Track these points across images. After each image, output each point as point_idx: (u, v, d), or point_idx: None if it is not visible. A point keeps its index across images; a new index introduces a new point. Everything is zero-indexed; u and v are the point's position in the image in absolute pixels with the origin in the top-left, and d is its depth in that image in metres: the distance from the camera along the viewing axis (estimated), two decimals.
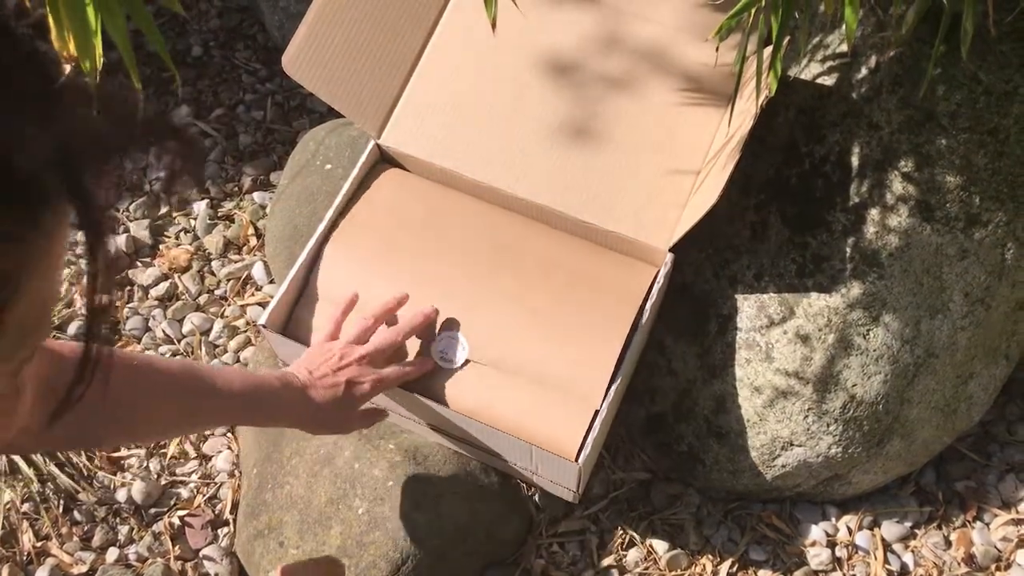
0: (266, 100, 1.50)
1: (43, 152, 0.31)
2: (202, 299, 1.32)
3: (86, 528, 1.16)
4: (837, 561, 1.10)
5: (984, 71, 0.95)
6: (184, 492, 1.18)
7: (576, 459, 0.92)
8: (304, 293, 1.01)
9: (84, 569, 1.13)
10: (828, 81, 1.03)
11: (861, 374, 1.00)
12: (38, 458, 1.17)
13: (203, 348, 1.28)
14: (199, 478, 1.19)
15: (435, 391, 0.96)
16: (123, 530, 1.15)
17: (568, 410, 0.95)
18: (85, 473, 1.19)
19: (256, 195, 1.39)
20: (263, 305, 1.30)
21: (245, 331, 1.29)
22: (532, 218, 1.05)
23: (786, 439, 1.04)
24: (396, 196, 1.06)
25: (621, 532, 1.12)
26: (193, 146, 0.35)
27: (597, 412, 0.94)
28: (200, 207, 1.38)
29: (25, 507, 1.16)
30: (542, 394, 0.95)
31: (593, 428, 0.93)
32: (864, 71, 1.00)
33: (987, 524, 1.12)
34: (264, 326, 0.97)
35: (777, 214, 1.04)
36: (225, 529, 1.15)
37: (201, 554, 1.14)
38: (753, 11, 0.82)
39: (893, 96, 0.98)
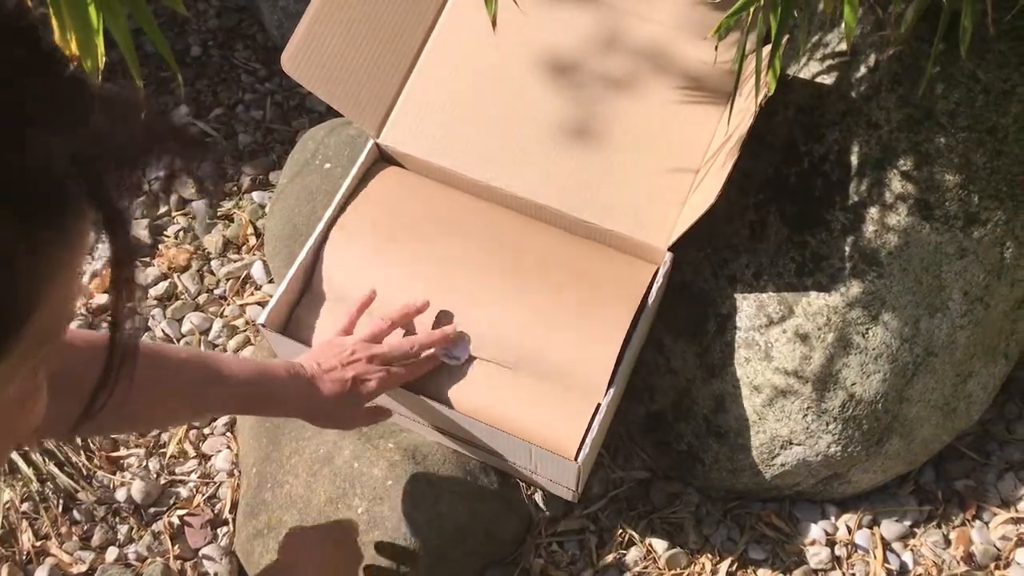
0: (265, 100, 1.50)
1: (65, 160, 0.31)
2: (201, 299, 1.32)
3: (85, 527, 1.16)
4: (836, 560, 1.10)
5: (983, 70, 0.95)
6: (183, 491, 1.18)
7: (575, 458, 0.92)
8: (304, 292, 1.01)
9: (83, 568, 1.13)
10: (827, 80, 1.03)
11: (860, 373, 1.00)
12: (37, 457, 1.17)
13: (202, 348, 1.28)
14: (198, 477, 1.19)
15: (435, 390, 0.96)
16: (122, 529, 1.15)
17: (567, 409, 0.95)
18: (84, 472, 1.19)
19: (255, 194, 1.39)
20: (262, 304, 1.30)
21: (244, 330, 1.29)
22: (531, 217, 1.05)
23: (785, 438, 1.04)
24: (395, 195, 1.06)
25: (620, 531, 1.12)
26: (213, 152, 0.36)
27: (596, 411, 0.94)
28: (199, 207, 1.38)
29: (24, 506, 1.16)
30: (541, 393, 0.95)
31: (592, 427, 0.93)
32: (863, 70, 1.00)
33: (986, 523, 1.12)
34: (263, 325, 0.97)
35: (776, 213, 1.04)
36: (224, 528, 1.15)
37: (200, 553, 1.14)
38: (752, 9, 0.82)
39: (892, 95, 0.98)
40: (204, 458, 1.21)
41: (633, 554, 1.11)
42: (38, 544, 1.14)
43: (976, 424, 1.14)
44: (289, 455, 1.09)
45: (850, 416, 1.02)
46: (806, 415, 1.03)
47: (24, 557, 1.13)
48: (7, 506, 1.15)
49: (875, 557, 1.10)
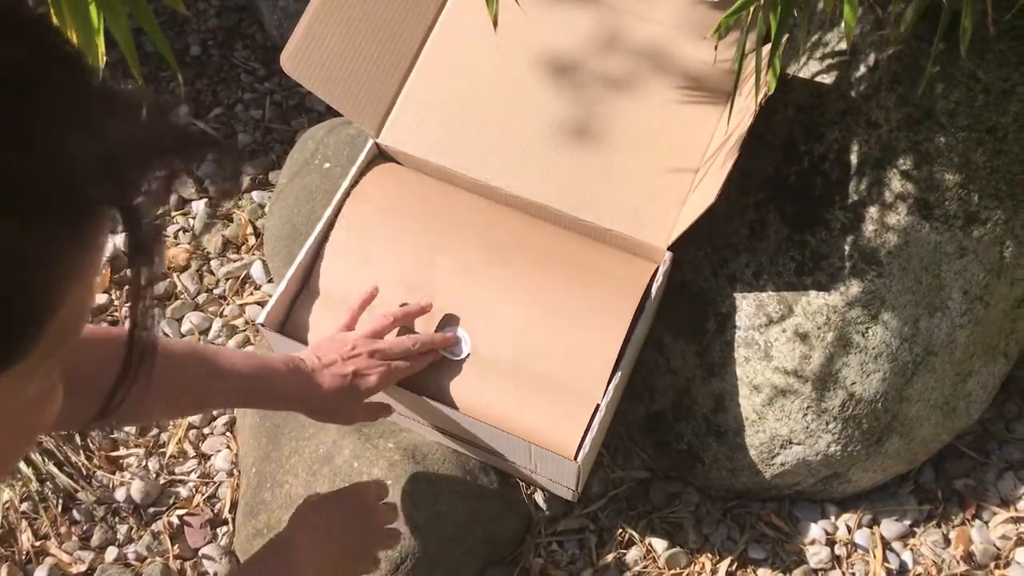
0: (265, 99, 1.50)
1: (83, 162, 0.32)
2: (201, 298, 1.32)
3: (85, 527, 1.15)
4: (836, 559, 1.10)
5: (983, 69, 0.95)
6: (183, 491, 1.18)
7: (575, 457, 0.92)
8: (303, 292, 1.01)
9: (83, 568, 1.12)
10: (827, 79, 1.03)
11: (860, 372, 1.00)
12: (37, 457, 1.17)
13: None
14: (198, 477, 1.19)
15: (435, 390, 0.96)
16: (122, 529, 1.15)
17: (567, 408, 0.94)
18: (84, 472, 1.19)
19: (255, 194, 1.39)
20: (262, 304, 1.30)
21: (244, 330, 1.29)
22: (531, 216, 1.05)
23: (785, 437, 1.04)
24: (395, 194, 1.06)
25: (620, 531, 1.12)
26: (233, 154, 0.36)
27: (596, 410, 0.94)
28: (199, 206, 1.38)
29: (24, 506, 1.16)
30: (541, 392, 0.95)
31: (592, 426, 0.93)
32: (863, 69, 1.00)
33: (986, 522, 1.12)
34: (263, 325, 0.97)
35: (776, 212, 1.04)
36: (224, 528, 1.15)
37: (200, 553, 1.14)
38: (752, 9, 0.82)
39: (892, 94, 0.98)
40: (204, 458, 1.21)
41: (633, 554, 1.11)
42: (37, 544, 1.14)
43: (976, 423, 1.14)
44: (289, 455, 1.09)
45: (850, 415, 1.02)
46: (806, 414, 1.03)
47: (23, 557, 1.13)
48: (6, 506, 1.15)
49: (875, 556, 1.10)
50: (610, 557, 1.10)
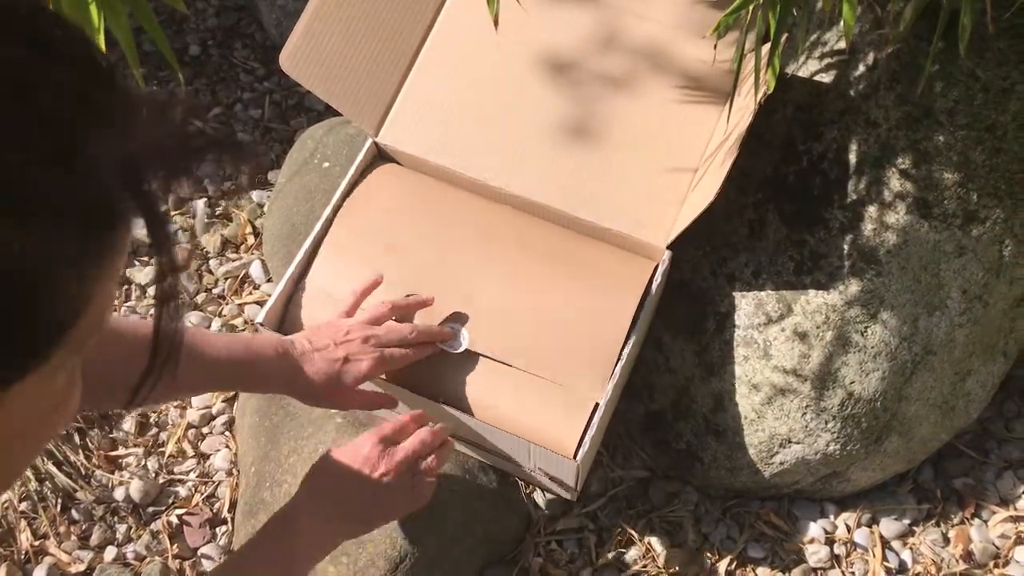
0: (264, 99, 1.50)
1: (111, 173, 0.32)
2: (200, 298, 1.32)
3: (84, 527, 1.15)
4: (835, 558, 1.10)
5: (982, 68, 0.95)
6: (182, 491, 1.18)
7: (574, 456, 0.92)
8: (302, 292, 1.01)
9: (82, 568, 1.12)
10: (826, 78, 1.03)
11: (859, 371, 1.00)
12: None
13: None
14: (197, 477, 1.19)
15: (433, 388, 0.96)
16: (121, 529, 1.15)
17: (566, 407, 0.94)
18: (83, 472, 1.18)
19: (254, 194, 1.39)
20: (261, 304, 1.30)
21: (243, 330, 1.29)
22: (530, 215, 1.05)
23: (784, 436, 1.04)
24: (394, 193, 1.06)
25: (619, 530, 1.12)
26: (256, 156, 0.36)
27: (595, 409, 0.94)
28: (198, 206, 1.38)
29: (23, 506, 1.16)
30: (540, 391, 0.95)
31: (591, 425, 0.93)
32: (862, 68, 1.00)
33: (985, 521, 1.12)
34: (261, 324, 0.97)
35: (775, 212, 1.04)
36: (223, 528, 1.15)
37: (199, 553, 1.14)
38: (751, 8, 0.82)
39: (891, 93, 0.98)
40: (203, 457, 1.21)
41: (632, 553, 1.11)
42: (36, 543, 1.14)
43: (975, 422, 1.14)
44: (288, 454, 1.09)
45: (849, 414, 1.02)
46: (805, 413, 1.03)
47: (22, 556, 1.13)
48: (5, 505, 1.15)
49: (874, 555, 1.10)
50: (609, 556, 1.10)
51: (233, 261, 1.35)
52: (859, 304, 0.99)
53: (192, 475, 1.19)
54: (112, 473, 1.18)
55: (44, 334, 0.33)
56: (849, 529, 1.11)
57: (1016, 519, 1.12)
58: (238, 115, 1.47)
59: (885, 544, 1.11)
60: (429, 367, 0.95)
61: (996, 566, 1.09)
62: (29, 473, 1.16)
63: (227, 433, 1.22)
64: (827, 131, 1.02)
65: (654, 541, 1.11)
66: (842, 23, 0.84)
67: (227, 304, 1.31)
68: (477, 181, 1.04)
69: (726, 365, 1.05)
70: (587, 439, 0.93)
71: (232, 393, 1.24)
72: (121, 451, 1.21)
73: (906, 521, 1.12)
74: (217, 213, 1.38)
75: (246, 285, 1.33)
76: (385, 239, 1.02)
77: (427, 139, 1.05)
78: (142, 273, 1.33)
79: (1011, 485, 1.14)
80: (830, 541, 1.11)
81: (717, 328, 1.06)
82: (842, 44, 1.02)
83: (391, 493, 0.86)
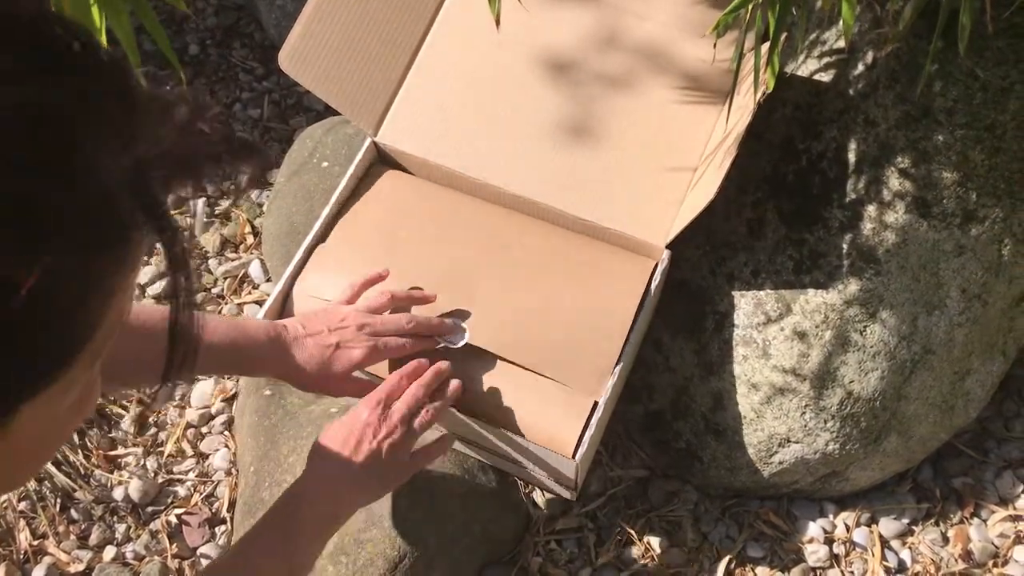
0: (263, 98, 1.50)
1: (118, 188, 0.32)
2: (199, 297, 1.32)
3: (83, 526, 1.15)
4: (835, 558, 1.10)
5: (981, 67, 0.95)
6: (181, 490, 1.18)
7: (573, 456, 0.92)
8: (301, 291, 1.01)
9: (81, 567, 1.12)
10: (825, 77, 1.03)
11: (858, 371, 1.00)
12: None
13: None
14: (196, 476, 1.19)
15: None
16: (120, 528, 1.15)
17: (565, 407, 0.94)
18: (82, 471, 1.18)
19: (253, 193, 1.39)
20: (260, 303, 1.30)
21: None
22: (529, 215, 1.05)
23: (783, 436, 1.04)
24: (393, 193, 1.06)
25: (619, 530, 1.12)
26: (266, 159, 0.37)
27: (594, 408, 0.94)
28: (197, 205, 1.38)
29: (22, 505, 1.16)
30: (539, 391, 0.95)
31: (590, 425, 0.93)
32: (861, 67, 1.00)
33: (984, 521, 1.12)
34: None
35: (774, 211, 1.04)
36: (222, 527, 1.15)
37: (198, 552, 1.14)
38: (750, 7, 0.82)
39: (890, 92, 0.98)
40: (202, 457, 1.21)
41: (631, 552, 1.11)
42: (35, 543, 1.14)
43: (974, 422, 1.14)
44: (287, 454, 1.09)
45: (848, 414, 1.02)
46: (804, 413, 1.03)
47: (21, 556, 1.13)
48: (4, 505, 1.15)
49: (873, 555, 1.10)
50: (609, 556, 1.10)
51: (232, 260, 1.35)
52: (858, 303, 0.99)
53: (191, 475, 1.19)
54: (111, 473, 1.18)
55: (63, 350, 0.33)
56: (848, 528, 1.11)
57: (1015, 518, 1.12)
58: (237, 115, 1.47)
59: (884, 543, 1.11)
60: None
61: (995, 565, 1.09)
62: None
63: (226, 433, 1.22)
64: (826, 130, 1.02)
65: (653, 540, 1.11)
66: (841, 22, 0.84)
67: (226, 304, 1.31)
68: (476, 181, 1.04)
69: (725, 364, 1.05)
70: (586, 438, 0.92)
71: (231, 393, 1.24)
72: (120, 451, 1.21)
73: (905, 520, 1.12)
74: (216, 212, 1.38)
75: (245, 285, 1.33)
76: (385, 240, 1.02)
77: (426, 139, 1.05)
78: (141, 273, 1.33)
79: (1010, 484, 1.14)
80: (829, 540, 1.11)
81: (716, 327, 1.06)
82: (841, 43, 1.02)
83: (395, 452, 0.84)
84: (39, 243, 0.30)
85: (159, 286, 1.32)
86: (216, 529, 1.15)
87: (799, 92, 1.04)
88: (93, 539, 1.14)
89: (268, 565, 0.80)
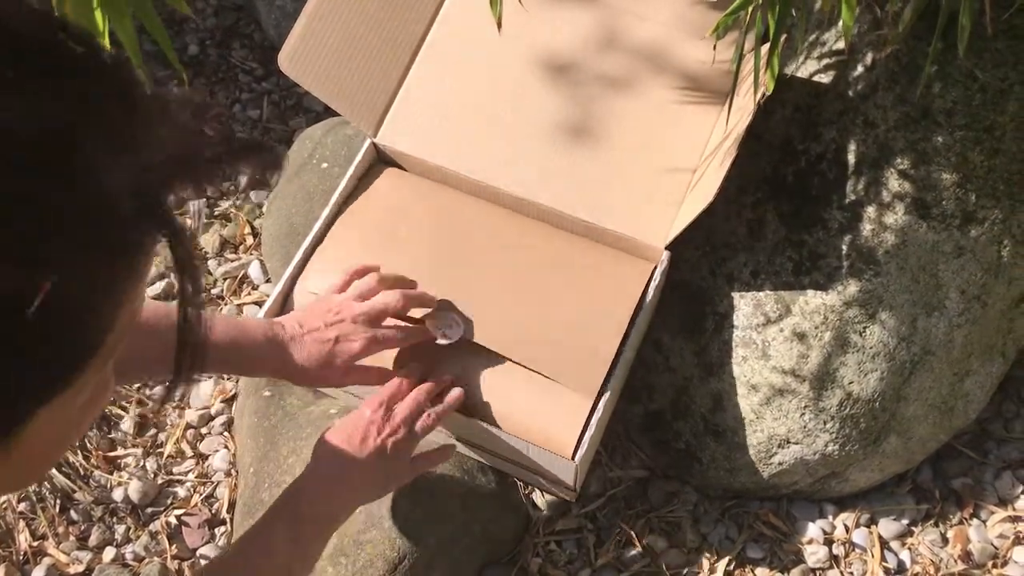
0: (262, 99, 1.50)
1: (125, 195, 0.32)
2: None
3: (83, 527, 1.15)
4: (834, 559, 1.10)
5: (980, 68, 0.95)
6: (181, 491, 1.18)
7: (573, 457, 0.92)
8: (300, 292, 1.01)
9: (81, 568, 1.12)
10: (824, 78, 1.03)
11: (858, 371, 1.00)
12: None
13: None
14: (196, 477, 1.19)
15: None
16: (120, 529, 1.15)
17: (565, 407, 0.94)
18: (82, 472, 1.18)
19: (253, 194, 1.39)
20: (259, 304, 1.30)
21: None
22: (529, 216, 1.05)
23: (783, 437, 1.04)
24: (392, 194, 1.06)
25: (618, 530, 1.12)
26: (276, 157, 0.37)
27: (594, 409, 0.94)
28: (197, 206, 1.38)
29: (21, 506, 1.16)
30: (539, 391, 0.95)
31: (590, 425, 0.93)
32: (860, 68, 1.00)
33: (984, 521, 1.12)
34: None
35: (774, 212, 1.04)
36: (222, 528, 1.15)
37: (198, 553, 1.13)
38: (750, 9, 0.82)
39: (889, 93, 0.98)
40: (201, 458, 1.21)
41: (631, 553, 1.11)
42: (35, 544, 1.14)
43: (974, 423, 1.14)
44: (287, 455, 1.09)
45: (848, 415, 1.02)
46: (803, 414, 1.03)
47: (21, 557, 1.13)
48: (4, 506, 1.15)
49: (873, 556, 1.10)
50: (608, 556, 1.10)
51: (232, 261, 1.35)
52: (857, 304, 0.99)
53: (191, 476, 1.19)
54: (111, 474, 1.18)
55: (77, 355, 0.34)
56: (848, 529, 1.11)
57: (1014, 519, 1.12)
58: (237, 115, 1.47)
59: (884, 544, 1.11)
60: (427, 366, 0.95)
61: (995, 566, 1.09)
62: None
63: (226, 434, 1.22)
64: (826, 131, 1.02)
65: (653, 541, 1.11)
66: (841, 24, 0.84)
67: (226, 304, 1.31)
68: (476, 181, 1.04)
69: (725, 365, 1.05)
70: (585, 439, 0.93)
71: (231, 394, 1.24)
72: (120, 451, 1.21)
73: (905, 521, 1.12)
74: (216, 213, 1.38)
75: (245, 285, 1.33)
76: (384, 241, 1.03)
77: (426, 139, 1.05)
78: None
79: (1010, 485, 1.14)
80: (829, 541, 1.11)
81: (716, 328, 1.06)
82: (841, 45, 1.02)
83: (397, 451, 0.85)
84: (41, 244, 0.30)
85: (159, 286, 1.32)
86: (216, 530, 1.15)
87: (799, 93, 1.05)
88: (93, 540, 1.14)
89: (268, 565, 0.80)
